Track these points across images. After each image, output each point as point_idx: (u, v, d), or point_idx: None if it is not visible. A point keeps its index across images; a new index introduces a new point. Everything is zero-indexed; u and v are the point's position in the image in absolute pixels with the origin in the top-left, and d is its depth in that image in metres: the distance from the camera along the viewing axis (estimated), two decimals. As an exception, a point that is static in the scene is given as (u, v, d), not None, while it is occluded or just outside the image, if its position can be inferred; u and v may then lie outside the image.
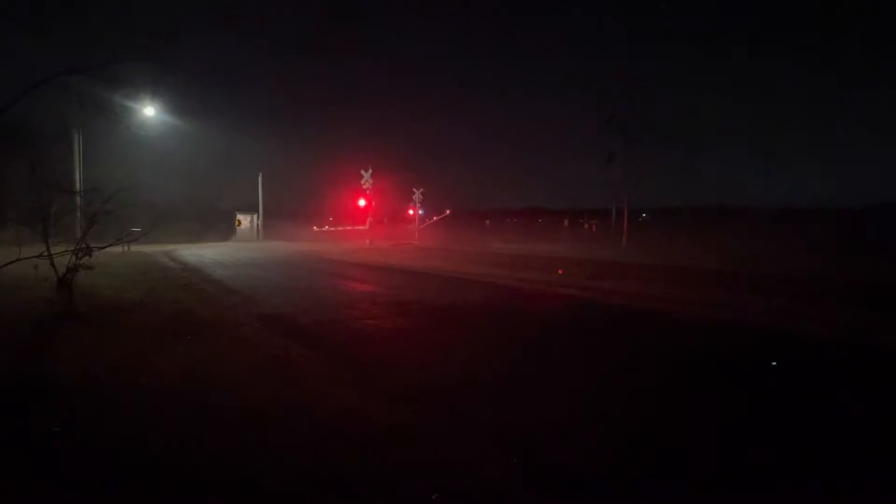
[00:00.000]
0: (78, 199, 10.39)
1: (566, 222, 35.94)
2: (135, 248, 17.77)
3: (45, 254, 7.71)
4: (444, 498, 2.29)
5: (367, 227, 30.95)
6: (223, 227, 36.72)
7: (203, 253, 20.65)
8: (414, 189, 37.50)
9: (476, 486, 2.38)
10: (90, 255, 7.91)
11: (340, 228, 40.39)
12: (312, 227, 41.55)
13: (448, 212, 42.74)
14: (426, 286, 10.44)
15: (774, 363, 4.62)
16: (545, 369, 4.50)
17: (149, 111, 18.64)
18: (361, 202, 30.54)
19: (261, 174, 37.76)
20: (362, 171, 30.35)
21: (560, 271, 12.41)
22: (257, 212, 38.33)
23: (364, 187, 30.43)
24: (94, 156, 18.29)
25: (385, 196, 35.21)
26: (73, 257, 7.75)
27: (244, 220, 38.75)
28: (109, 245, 8.61)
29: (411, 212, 38.78)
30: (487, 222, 47.57)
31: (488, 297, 8.91)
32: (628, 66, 23.03)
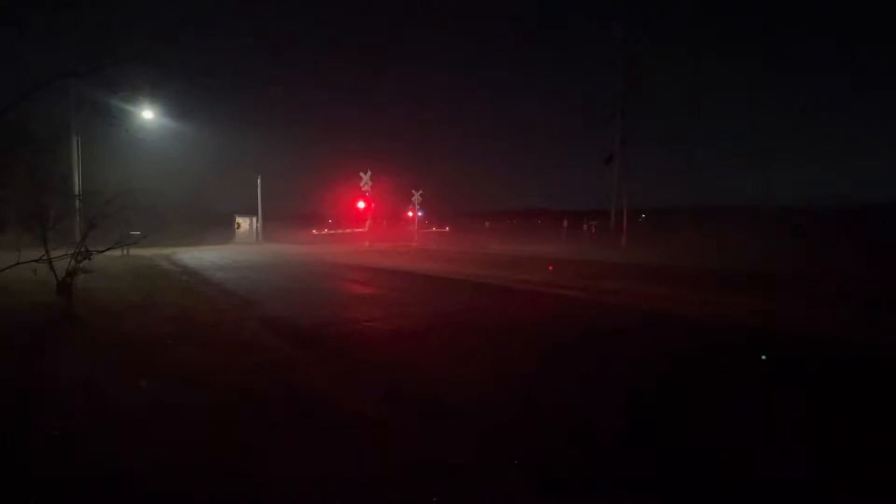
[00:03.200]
0: (77, 203, 10.38)
1: (565, 223, 35.83)
2: (134, 251, 17.71)
3: (45, 257, 7.69)
4: (445, 500, 2.28)
5: (367, 229, 30.95)
6: (222, 231, 36.67)
7: (202, 256, 20.63)
8: (413, 191, 37.53)
9: (477, 488, 2.38)
10: (89, 259, 7.90)
11: (340, 231, 40.41)
12: (311, 230, 41.55)
13: (447, 228, 42.81)
14: (426, 288, 10.43)
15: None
16: (544, 371, 4.50)
17: (147, 114, 18.63)
18: (361, 204, 30.52)
19: (260, 177, 37.76)
20: (361, 174, 30.35)
21: (560, 271, 12.42)
22: (256, 215, 38.30)
23: (363, 189, 30.43)
24: (92, 159, 18.29)
25: (384, 198, 35.23)
26: (73, 261, 7.74)
27: (243, 223, 38.73)
28: (108, 248, 8.59)
29: (410, 213, 38.83)
30: (487, 223, 47.52)
31: (489, 300, 8.92)
32: (627, 68, 23.06)
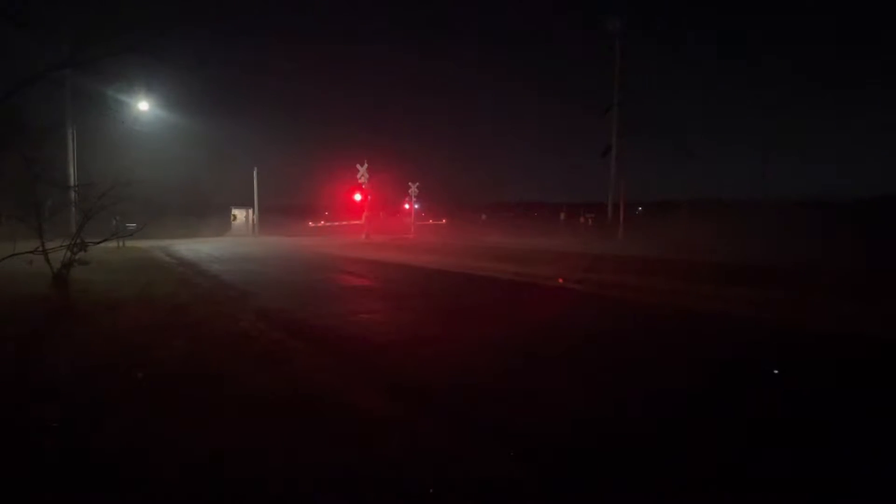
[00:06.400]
0: (72, 194, 10.35)
1: (562, 216, 35.97)
2: (130, 243, 17.69)
3: (40, 249, 7.68)
4: (441, 490, 2.30)
5: (364, 221, 30.93)
6: (218, 222, 36.61)
7: (199, 248, 20.60)
8: (410, 183, 37.54)
9: (471, 478, 2.40)
10: (85, 251, 7.90)
11: (336, 223, 40.39)
12: (308, 222, 41.51)
13: (444, 221, 42.85)
14: (424, 281, 10.45)
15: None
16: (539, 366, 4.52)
17: (143, 106, 18.60)
18: (357, 196, 30.52)
19: (256, 168, 37.63)
20: (358, 166, 30.35)
21: (557, 264, 12.46)
22: (252, 206, 38.20)
23: (360, 181, 30.41)
24: (89, 151, 18.23)
25: (381, 190, 35.21)
26: (68, 252, 7.73)
27: (239, 215, 38.66)
28: (104, 240, 8.58)
29: (407, 206, 38.86)
30: (483, 216, 47.52)
31: (485, 292, 8.94)
32: (624, 59, 22.98)
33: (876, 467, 2.55)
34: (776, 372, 4.15)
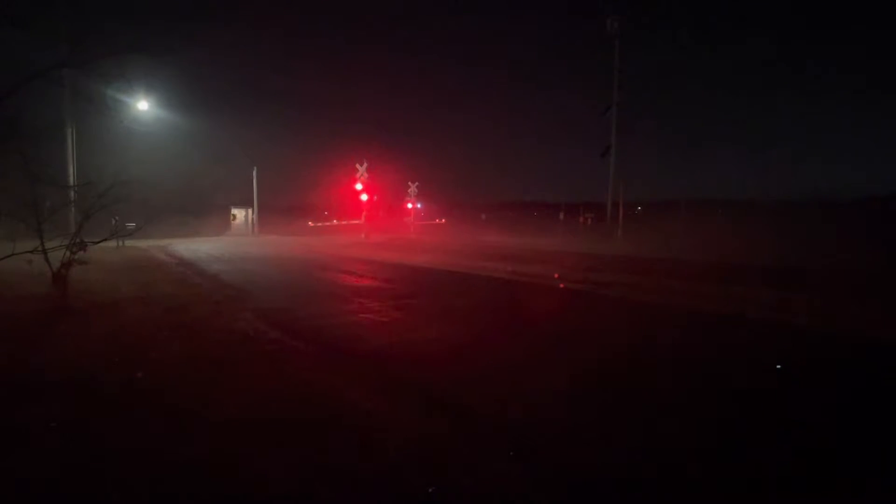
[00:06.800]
0: (72, 194, 10.35)
1: (562, 215, 35.91)
2: (129, 243, 17.66)
3: (40, 249, 7.68)
4: (441, 490, 2.32)
5: (363, 221, 30.92)
6: (217, 222, 36.55)
7: (198, 248, 20.59)
8: (409, 183, 37.57)
9: (471, 481, 2.41)
10: (84, 250, 7.90)
11: (336, 223, 40.39)
12: (307, 222, 41.47)
13: (444, 220, 42.90)
14: (423, 281, 10.45)
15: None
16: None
17: (143, 105, 18.63)
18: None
19: (256, 168, 37.54)
20: (357, 165, 30.34)
21: (556, 264, 12.50)
22: (252, 206, 38.12)
23: (359, 181, 30.40)
24: (88, 150, 18.23)
25: (381, 190, 35.20)
26: (68, 252, 7.73)
27: (239, 215, 38.61)
28: (104, 240, 8.58)
29: (410, 206, 38.91)
30: (483, 216, 47.44)
31: (483, 291, 8.95)
32: (623, 59, 22.92)
33: None
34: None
